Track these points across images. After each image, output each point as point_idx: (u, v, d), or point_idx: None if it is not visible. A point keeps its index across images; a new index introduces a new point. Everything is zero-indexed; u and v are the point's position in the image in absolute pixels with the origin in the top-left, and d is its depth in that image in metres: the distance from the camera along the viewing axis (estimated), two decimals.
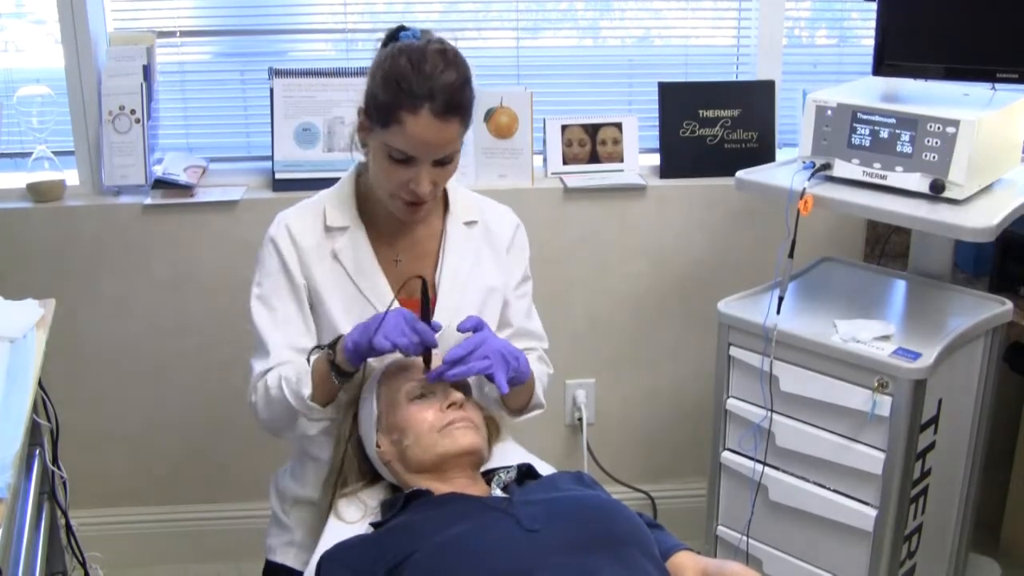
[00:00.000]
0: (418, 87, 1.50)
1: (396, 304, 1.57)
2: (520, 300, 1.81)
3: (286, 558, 1.78)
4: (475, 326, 1.56)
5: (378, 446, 1.56)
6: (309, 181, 2.33)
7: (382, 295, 1.67)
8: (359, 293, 1.67)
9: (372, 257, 1.68)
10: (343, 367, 1.56)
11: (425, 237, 1.73)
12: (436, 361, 1.57)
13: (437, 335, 1.56)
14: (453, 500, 1.45)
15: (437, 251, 1.72)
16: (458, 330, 1.57)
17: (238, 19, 2.51)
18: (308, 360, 1.61)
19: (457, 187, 1.77)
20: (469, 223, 1.75)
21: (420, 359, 1.57)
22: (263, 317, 1.67)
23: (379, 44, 1.61)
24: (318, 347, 1.63)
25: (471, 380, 1.63)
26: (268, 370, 1.65)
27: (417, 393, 1.55)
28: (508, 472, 1.58)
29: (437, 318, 1.67)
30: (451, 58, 1.54)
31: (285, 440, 1.76)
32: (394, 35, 1.59)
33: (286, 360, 1.65)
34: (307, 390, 1.58)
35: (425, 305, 1.57)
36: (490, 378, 1.53)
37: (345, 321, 1.66)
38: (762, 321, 1.93)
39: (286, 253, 1.67)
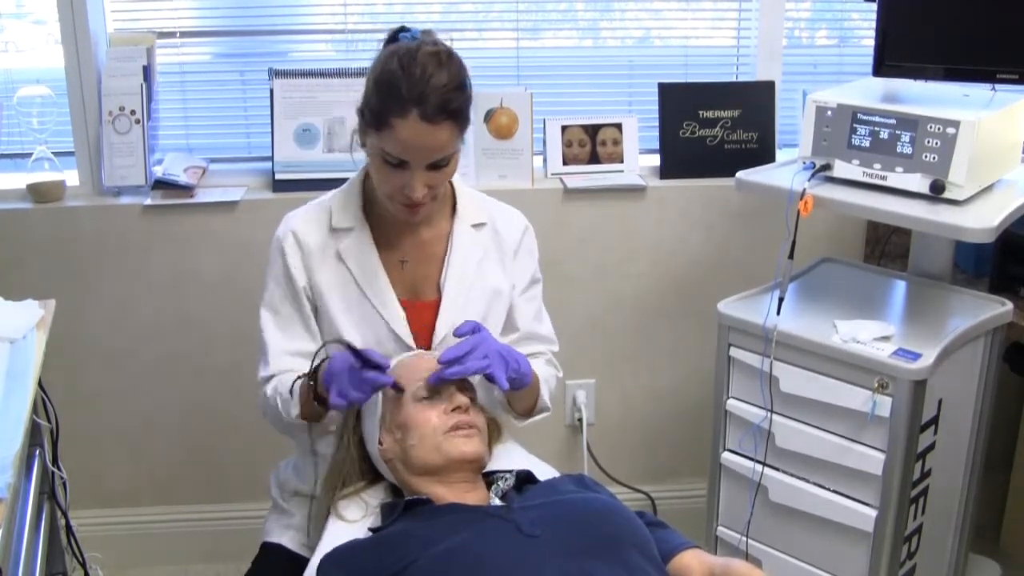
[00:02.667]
0: (407, 91, 1.49)
1: (338, 348, 1.56)
2: (528, 303, 1.80)
3: (282, 539, 1.77)
4: (473, 329, 1.56)
5: (380, 443, 1.56)
6: (309, 182, 2.33)
7: (386, 297, 1.68)
8: (362, 295, 1.67)
9: (376, 259, 1.69)
10: (325, 397, 1.56)
11: (432, 239, 1.72)
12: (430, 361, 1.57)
13: (439, 341, 1.56)
14: (453, 510, 1.45)
15: (443, 253, 1.72)
16: (455, 335, 1.56)
17: (238, 20, 2.51)
18: (293, 386, 1.61)
19: (466, 189, 1.77)
20: (477, 225, 1.75)
21: (430, 356, 1.58)
22: (268, 320, 1.70)
23: (380, 45, 1.60)
24: (301, 375, 1.61)
25: (476, 383, 1.63)
26: (268, 377, 1.68)
27: (423, 394, 1.54)
28: (506, 480, 1.58)
29: (442, 321, 1.68)
30: (443, 60, 1.52)
31: (290, 436, 1.77)
32: (394, 36, 1.59)
33: (284, 368, 1.67)
34: (295, 411, 1.62)
35: (361, 358, 1.50)
36: (490, 378, 1.54)
37: (347, 321, 1.67)
38: (762, 322, 1.93)
39: (290, 256, 1.68)
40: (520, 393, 1.66)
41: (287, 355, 1.69)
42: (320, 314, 1.70)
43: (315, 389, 1.58)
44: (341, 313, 1.68)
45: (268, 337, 1.70)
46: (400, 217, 1.64)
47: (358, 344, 1.65)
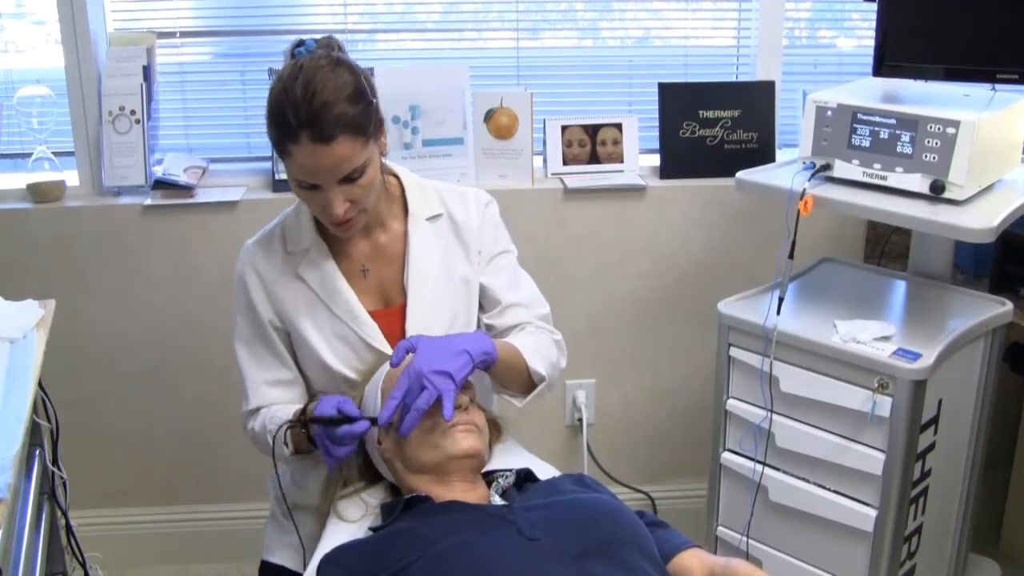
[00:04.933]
0: (293, 116, 1.45)
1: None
2: (499, 275, 1.75)
3: (284, 559, 1.78)
4: (407, 348, 1.48)
5: (379, 443, 1.56)
6: None
7: (353, 310, 1.67)
8: (330, 312, 1.67)
9: (337, 274, 1.68)
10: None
11: (388, 242, 1.71)
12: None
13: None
14: (454, 508, 1.45)
15: (402, 254, 1.70)
16: (391, 366, 1.52)
17: (238, 20, 2.51)
18: (286, 436, 1.61)
19: (415, 183, 1.74)
20: (432, 218, 1.72)
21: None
22: (242, 354, 1.73)
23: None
24: (291, 423, 1.60)
25: (472, 379, 1.62)
26: (252, 411, 1.70)
27: None
28: (507, 478, 1.58)
29: (410, 321, 1.67)
30: (328, 74, 1.48)
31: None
32: (291, 53, 1.57)
33: (265, 400, 1.69)
34: (288, 451, 1.63)
35: (319, 421, 1.50)
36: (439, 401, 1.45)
37: (322, 342, 1.67)
38: (762, 321, 1.93)
39: (253, 290, 1.69)
40: (500, 373, 1.59)
41: (265, 386, 1.70)
42: (295, 339, 1.70)
43: (307, 434, 1.58)
44: (314, 334, 1.67)
45: (245, 370, 1.72)
46: (338, 235, 1.63)
47: (335, 364, 1.67)
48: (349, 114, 1.48)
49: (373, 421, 1.51)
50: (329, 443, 1.50)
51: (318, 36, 1.60)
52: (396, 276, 1.70)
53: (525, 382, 1.65)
